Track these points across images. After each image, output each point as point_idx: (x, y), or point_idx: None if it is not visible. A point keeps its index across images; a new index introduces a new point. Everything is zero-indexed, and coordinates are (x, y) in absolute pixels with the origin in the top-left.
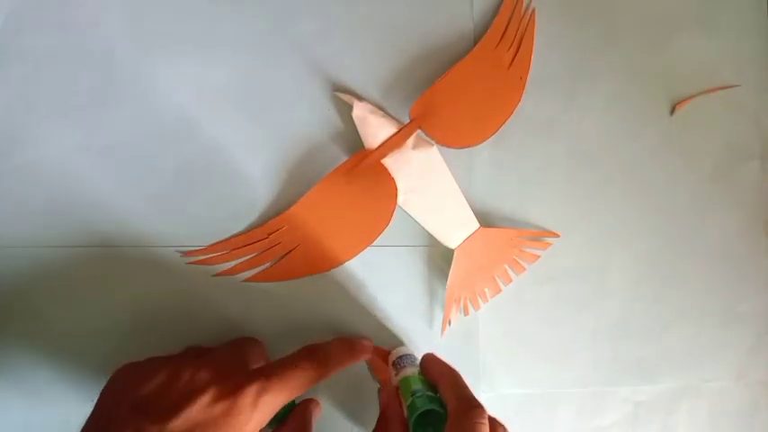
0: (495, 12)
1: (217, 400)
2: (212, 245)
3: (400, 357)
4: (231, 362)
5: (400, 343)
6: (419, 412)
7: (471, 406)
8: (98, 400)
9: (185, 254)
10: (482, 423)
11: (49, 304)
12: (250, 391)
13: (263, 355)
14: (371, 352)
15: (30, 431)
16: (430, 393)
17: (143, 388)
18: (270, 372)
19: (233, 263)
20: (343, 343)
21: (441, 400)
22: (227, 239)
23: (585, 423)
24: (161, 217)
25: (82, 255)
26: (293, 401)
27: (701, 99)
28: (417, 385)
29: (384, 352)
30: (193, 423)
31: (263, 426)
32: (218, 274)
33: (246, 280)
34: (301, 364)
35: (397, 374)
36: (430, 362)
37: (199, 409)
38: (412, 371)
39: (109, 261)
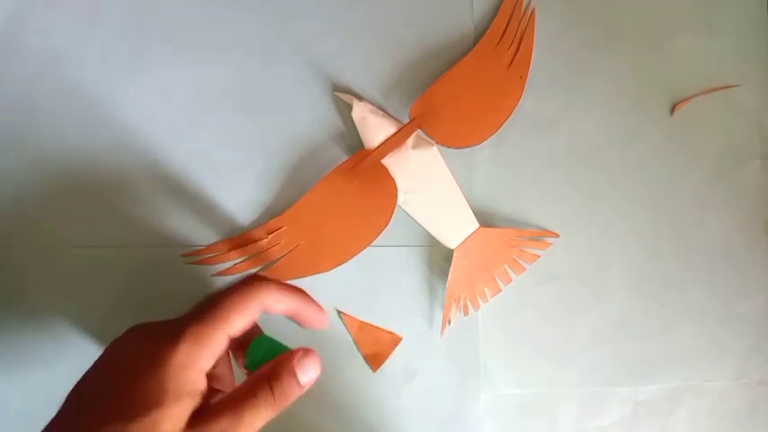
0: (496, 12)
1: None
2: (212, 245)
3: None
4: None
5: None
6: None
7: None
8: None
9: (185, 254)
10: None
11: (49, 304)
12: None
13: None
14: (356, 327)
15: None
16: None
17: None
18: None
19: (233, 263)
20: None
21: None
22: (227, 239)
23: (585, 423)
24: (161, 217)
25: (82, 255)
26: (285, 346)
27: (701, 99)
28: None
29: (375, 328)
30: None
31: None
32: (217, 274)
33: None
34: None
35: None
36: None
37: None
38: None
39: (109, 261)
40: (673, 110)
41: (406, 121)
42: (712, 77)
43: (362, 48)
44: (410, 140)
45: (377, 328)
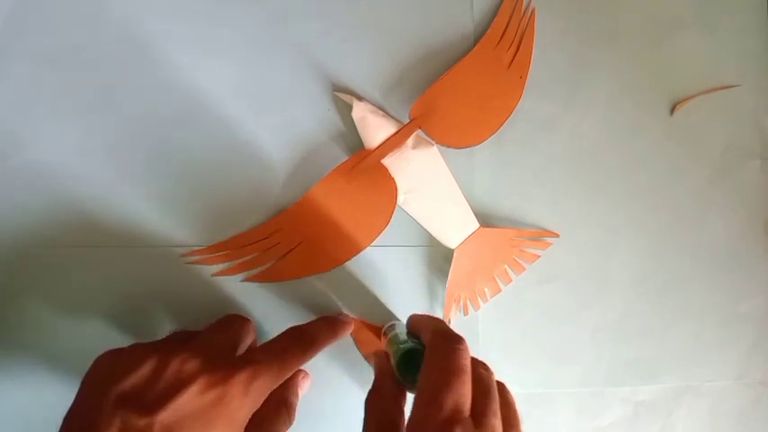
0: (496, 12)
1: (206, 389)
2: (212, 245)
3: (390, 325)
4: (219, 347)
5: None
6: (400, 353)
7: (448, 336)
8: (80, 389)
9: (185, 254)
10: (461, 349)
11: (49, 304)
12: (239, 379)
13: (251, 335)
14: (354, 327)
15: (28, 425)
16: (414, 340)
17: (129, 379)
18: (259, 358)
19: (233, 263)
20: (326, 322)
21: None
22: (226, 239)
23: (585, 423)
24: (161, 217)
25: (82, 255)
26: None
27: (701, 99)
28: (402, 338)
29: (373, 326)
30: (182, 414)
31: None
32: (217, 274)
33: (246, 280)
34: (289, 348)
35: (386, 338)
36: (414, 318)
37: (188, 399)
38: (399, 330)
39: (109, 261)
40: (673, 110)
41: (406, 121)
42: (712, 77)
43: (362, 48)
44: (410, 140)
45: (377, 328)
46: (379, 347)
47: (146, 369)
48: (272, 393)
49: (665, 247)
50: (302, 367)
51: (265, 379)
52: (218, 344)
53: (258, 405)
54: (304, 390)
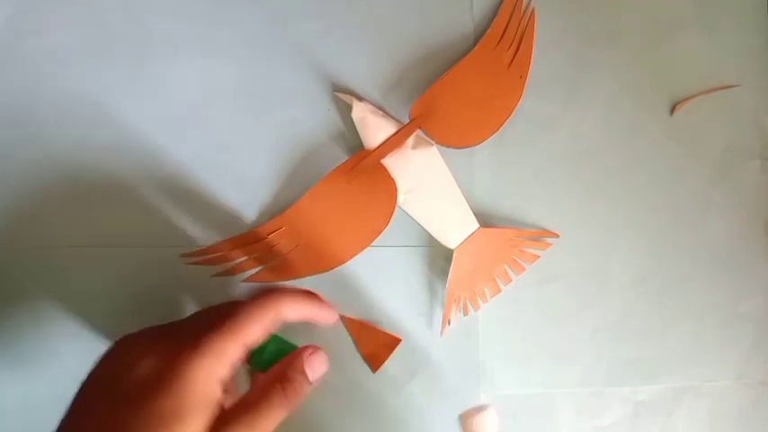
0: (496, 11)
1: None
2: (212, 245)
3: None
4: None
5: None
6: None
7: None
8: (92, 375)
9: (185, 254)
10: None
11: (49, 304)
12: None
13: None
14: (354, 327)
15: (28, 423)
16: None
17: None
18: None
19: (233, 263)
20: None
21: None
22: (226, 240)
23: (585, 423)
24: (161, 217)
25: (82, 255)
26: (292, 344)
27: (701, 99)
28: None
29: (372, 327)
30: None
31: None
32: (217, 275)
33: (246, 280)
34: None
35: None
36: None
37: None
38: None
39: (109, 261)
40: (673, 110)
41: (406, 121)
42: (712, 77)
43: (362, 48)
44: (410, 140)
45: (376, 329)
46: (378, 348)
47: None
48: (271, 369)
49: (665, 247)
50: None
51: (223, 338)
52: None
53: (222, 367)
54: (315, 368)
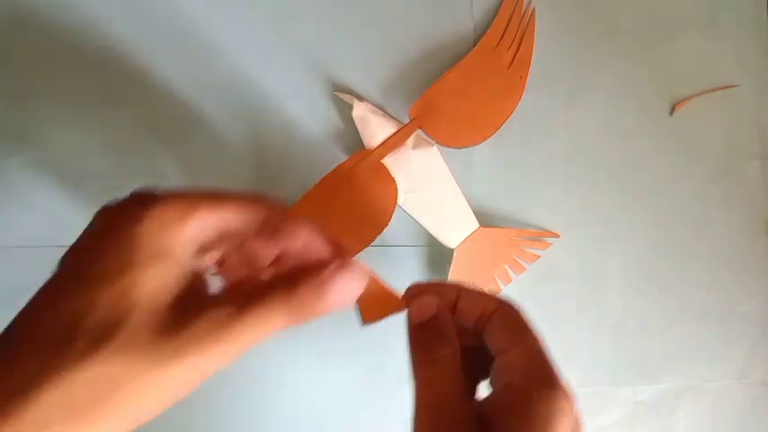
0: (496, 11)
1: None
2: None
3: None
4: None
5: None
6: None
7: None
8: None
9: None
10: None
11: None
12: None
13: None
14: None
15: None
16: None
17: None
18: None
19: None
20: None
21: None
22: None
23: (585, 423)
24: None
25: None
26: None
27: (701, 99)
28: None
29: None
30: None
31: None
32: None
33: None
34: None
35: None
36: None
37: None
38: None
39: None
40: (673, 110)
41: (406, 121)
42: (712, 77)
43: (363, 48)
44: (410, 140)
45: (384, 287)
46: (379, 305)
47: None
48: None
49: (665, 246)
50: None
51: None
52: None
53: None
54: (337, 291)
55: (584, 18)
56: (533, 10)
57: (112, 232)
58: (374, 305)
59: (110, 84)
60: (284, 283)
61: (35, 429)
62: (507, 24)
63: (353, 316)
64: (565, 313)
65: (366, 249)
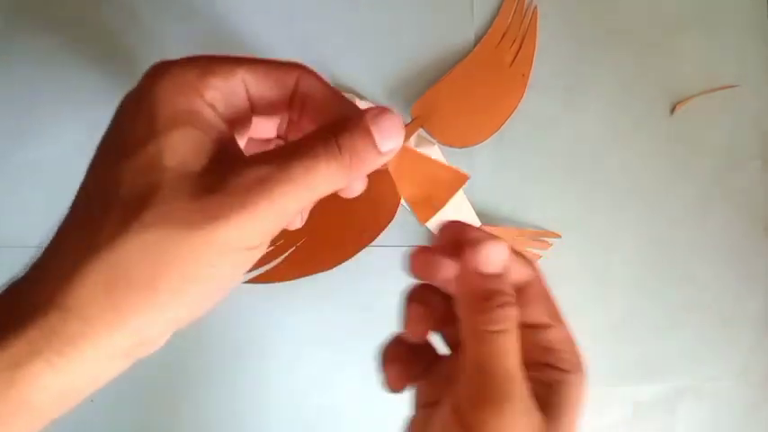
0: (497, 11)
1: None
2: None
3: None
4: None
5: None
6: None
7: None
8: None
9: None
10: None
11: None
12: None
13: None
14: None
15: None
16: None
17: None
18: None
19: None
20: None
21: None
22: None
23: (585, 423)
24: None
25: None
26: None
27: (701, 99)
28: None
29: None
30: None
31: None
32: None
33: (249, 281)
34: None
35: None
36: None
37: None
38: None
39: None
40: (673, 110)
41: (408, 120)
42: (712, 77)
43: (364, 48)
44: (412, 140)
45: (428, 159)
46: (433, 188)
47: None
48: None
49: (665, 246)
50: None
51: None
52: None
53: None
54: (388, 135)
55: (585, 18)
56: (535, 9)
57: (132, 105)
58: (428, 191)
59: (110, 83)
60: (328, 129)
61: (80, 318)
62: (509, 24)
63: (354, 317)
64: (565, 313)
65: (366, 249)
